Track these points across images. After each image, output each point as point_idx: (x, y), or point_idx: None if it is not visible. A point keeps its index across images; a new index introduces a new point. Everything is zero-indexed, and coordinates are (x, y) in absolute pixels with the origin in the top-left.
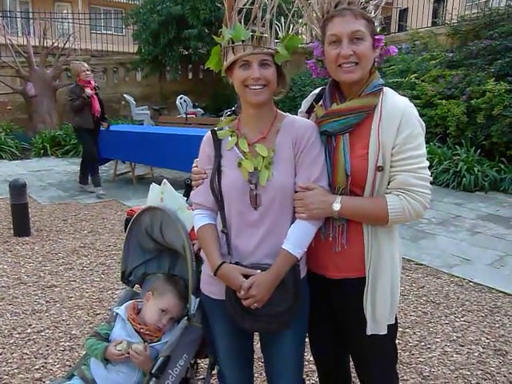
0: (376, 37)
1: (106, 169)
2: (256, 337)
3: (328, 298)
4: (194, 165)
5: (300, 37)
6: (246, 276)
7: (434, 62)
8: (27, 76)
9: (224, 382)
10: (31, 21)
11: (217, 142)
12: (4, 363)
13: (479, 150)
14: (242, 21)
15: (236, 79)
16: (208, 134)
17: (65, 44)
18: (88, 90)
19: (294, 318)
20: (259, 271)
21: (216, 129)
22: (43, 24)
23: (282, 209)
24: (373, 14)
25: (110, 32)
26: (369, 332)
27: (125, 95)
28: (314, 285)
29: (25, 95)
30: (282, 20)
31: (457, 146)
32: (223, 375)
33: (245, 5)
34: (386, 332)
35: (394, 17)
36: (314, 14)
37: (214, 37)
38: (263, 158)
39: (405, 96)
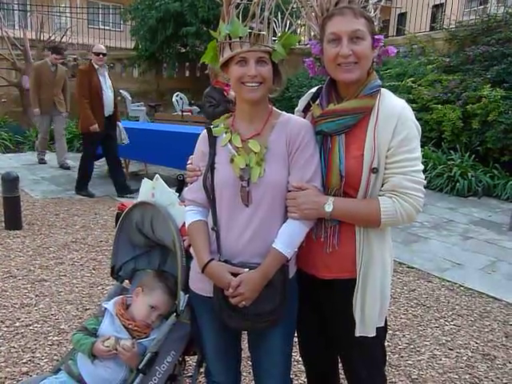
0: (375, 36)
1: (100, 164)
2: (244, 335)
3: (318, 298)
4: (188, 162)
5: (298, 37)
6: (234, 274)
7: (430, 66)
8: (23, 69)
9: (211, 380)
10: (28, 14)
11: (212, 139)
12: None
13: (473, 156)
14: (240, 17)
15: (232, 75)
16: (204, 132)
17: (62, 38)
18: (233, 93)
19: (282, 317)
20: (247, 270)
21: (212, 126)
22: (40, 17)
23: (273, 207)
24: (372, 14)
25: (107, 27)
26: (357, 333)
27: (121, 91)
28: (304, 285)
29: (20, 88)
30: (280, 18)
31: (451, 151)
32: (210, 372)
33: (242, 0)
34: (374, 334)
35: (393, 20)
36: (313, 13)
37: (211, 31)
38: (255, 153)
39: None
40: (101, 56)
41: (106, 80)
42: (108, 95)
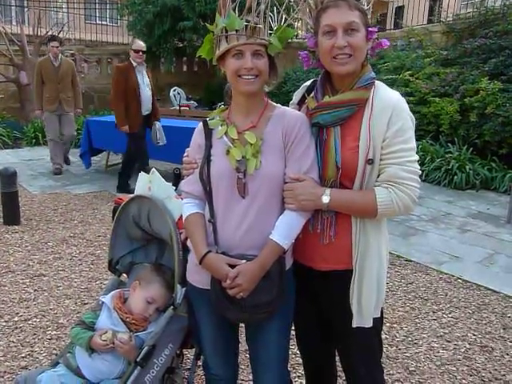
0: (369, 29)
1: (98, 159)
2: (241, 328)
3: (314, 288)
4: (185, 154)
5: (294, 30)
6: (232, 266)
7: (428, 59)
8: (20, 64)
9: (209, 373)
10: (25, 9)
11: (208, 132)
12: None
13: (471, 149)
14: (237, 10)
15: (228, 68)
16: (200, 124)
17: (59, 33)
18: None
19: (279, 308)
20: (244, 261)
21: (208, 119)
22: (37, 12)
23: (269, 199)
24: (366, 7)
25: (104, 22)
26: (354, 324)
27: None
28: (301, 276)
29: (18, 84)
30: (275, 12)
31: (449, 144)
32: (208, 365)
33: None
34: (371, 325)
35: (390, 14)
36: (308, 8)
37: (207, 25)
38: (251, 145)
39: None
40: (140, 53)
41: (144, 78)
42: (145, 93)
